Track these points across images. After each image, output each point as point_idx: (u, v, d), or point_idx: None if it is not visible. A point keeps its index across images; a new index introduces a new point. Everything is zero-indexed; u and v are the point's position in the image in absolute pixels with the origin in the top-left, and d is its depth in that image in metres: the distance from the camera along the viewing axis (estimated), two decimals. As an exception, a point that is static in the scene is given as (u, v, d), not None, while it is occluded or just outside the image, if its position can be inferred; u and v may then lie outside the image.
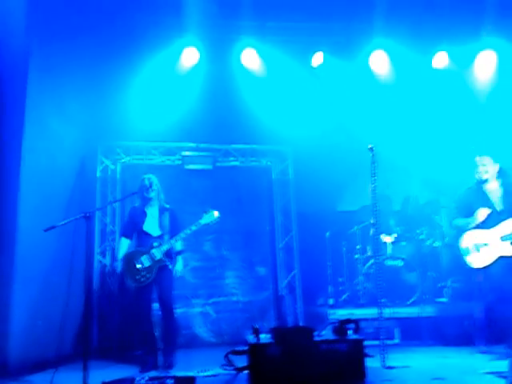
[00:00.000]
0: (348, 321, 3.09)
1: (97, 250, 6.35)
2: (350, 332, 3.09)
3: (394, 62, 6.71)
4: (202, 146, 6.82)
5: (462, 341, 5.72)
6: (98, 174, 6.50)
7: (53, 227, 3.89)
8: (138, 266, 4.65)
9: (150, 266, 4.65)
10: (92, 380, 3.56)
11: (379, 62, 6.74)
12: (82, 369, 3.54)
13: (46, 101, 5.11)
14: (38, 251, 4.85)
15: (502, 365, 4.19)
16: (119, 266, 4.82)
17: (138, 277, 4.65)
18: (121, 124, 6.17)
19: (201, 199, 6.38)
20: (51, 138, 5.26)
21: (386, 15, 6.14)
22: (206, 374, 3.65)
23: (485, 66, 6.77)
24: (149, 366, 4.52)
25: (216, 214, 4.81)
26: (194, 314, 6.38)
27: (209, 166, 6.76)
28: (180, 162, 6.75)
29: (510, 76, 6.63)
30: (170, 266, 4.76)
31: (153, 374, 4.25)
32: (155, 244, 4.71)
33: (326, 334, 3.07)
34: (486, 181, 5.03)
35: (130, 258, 4.72)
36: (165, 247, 4.70)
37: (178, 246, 4.83)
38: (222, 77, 6.46)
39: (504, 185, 5.08)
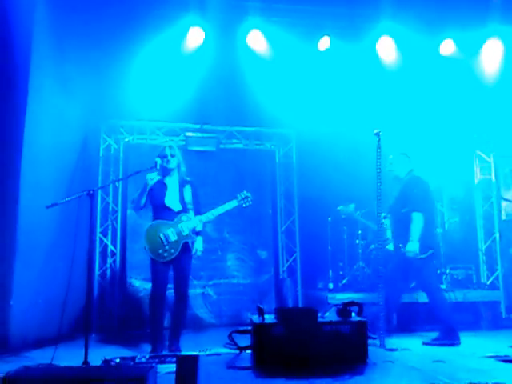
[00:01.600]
0: (352, 303, 3.10)
1: (98, 229, 6.35)
2: (353, 314, 3.11)
3: (401, 48, 6.63)
4: (206, 127, 6.79)
5: (459, 326, 5.81)
6: (101, 153, 6.48)
7: (55, 204, 3.87)
8: (162, 237, 4.33)
9: (176, 241, 4.35)
10: (93, 357, 3.58)
11: (386, 48, 6.66)
12: (82, 346, 3.55)
13: (49, 78, 5.06)
14: (39, 228, 4.84)
15: (503, 349, 4.26)
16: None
17: (161, 251, 4.33)
18: (124, 103, 6.11)
19: (203, 181, 6.35)
20: (54, 115, 5.22)
21: (393, 0, 6.06)
22: (207, 353, 3.68)
23: (491, 54, 6.70)
24: (157, 347, 4.34)
25: (249, 195, 4.66)
26: (195, 295, 6.41)
27: (212, 148, 6.73)
28: (183, 143, 6.71)
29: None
30: (190, 245, 4.49)
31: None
32: (184, 218, 4.42)
33: (330, 315, 3.09)
34: None
35: (154, 229, 4.37)
36: (193, 223, 4.42)
37: (200, 224, 4.56)
38: (228, 58, 6.38)
39: None
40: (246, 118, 6.81)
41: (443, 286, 6.45)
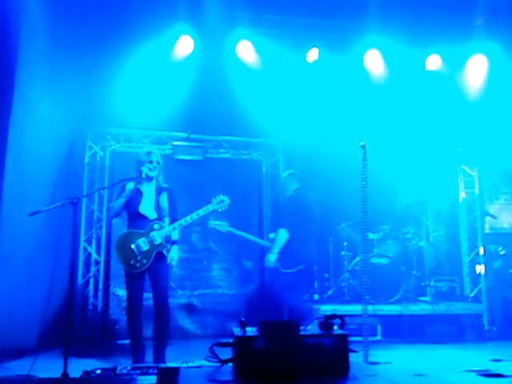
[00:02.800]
0: (334, 316, 3.10)
1: (82, 237, 6.28)
2: (335, 327, 3.11)
3: (388, 61, 6.73)
4: (193, 136, 6.77)
5: (442, 339, 5.86)
6: (87, 160, 6.43)
7: (38, 212, 3.81)
8: (133, 247, 4.21)
9: (148, 251, 4.23)
10: (73, 368, 3.51)
11: (373, 61, 6.75)
12: (62, 357, 3.49)
13: (35, 83, 5.03)
14: (22, 236, 4.78)
15: (484, 363, 4.29)
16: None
17: (132, 261, 4.22)
18: (112, 110, 6.10)
19: (190, 190, 6.35)
20: (40, 121, 5.18)
21: (381, 15, 6.15)
22: (189, 365, 3.65)
23: (476, 70, 6.82)
24: (138, 358, 4.27)
25: (227, 199, 4.53)
26: (180, 305, 6.36)
27: (199, 157, 6.72)
28: (170, 152, 6.70)
29: (499, 81, 6.69)
30: (166, 254, 4.37)
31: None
32: (156, 226, 4.30)
33: (312, 328, 3.08)
34: None
35: (125, 239, 4.27)
36: (167, 230, 4.30)
37: (175, 234, 4.46)
38: (217, 67, 6.40)
39: None
40: (233, 128, 6.82)
41: (427, 299, 6.50)
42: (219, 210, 4.54)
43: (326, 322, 3.04)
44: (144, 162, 4.42)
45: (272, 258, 5.19)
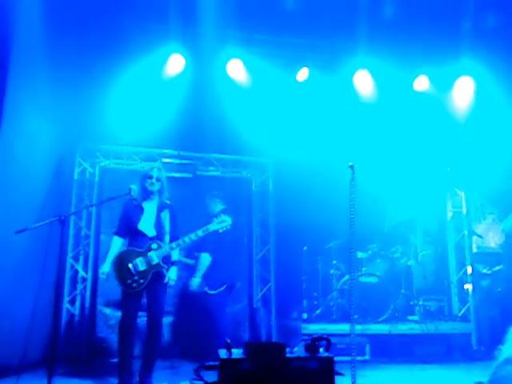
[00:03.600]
0: (320, 338, 3.08)
1: (69, 254, 6.22)
2: (321, 349, 3.10)
3: (377, 81, 6.82)
4: (183, 153, 6.78)
5: (431, 359, 5.86)
6: (76, 177, 6.39)
7: (25, 229, 3.79)
8: (131, 267, 4.17)
9: (144, 271, 4.18)
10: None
11: (362, 81, 6.84)
12: (46, 376, 3.43)
13: (25, 99, 5.01)
14: (8, 253, 4.72)
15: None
16: (106, 272, 4.31)
17: (129, 281, 4.17)
18: (102, 127, 6.10)
19: (180, 207, 6.29)
20: (28, 136, 5.16)
21: (370, 36, 6.25)
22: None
23: (463, 91, 6.93)
24: (125, 379, 4.19)
25: (229, 219, 4.46)
26: (168, 323, 6.29)
27: (189, 175, 6.73)
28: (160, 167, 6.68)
29: (486, 102, 6.81)
30: (165, 272, 4.31)
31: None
32: (154, 246, 4.24)
33: (298, 350, 3.07)
34: None
35: (123, 258, 4.22)
36: (164, 251, 4.23)
37: (175, 253, 4.41)
38: (207, 85, 6.45)
39: None
40: (223, 146, 6.84)
41: (416, 318, 6.50)
42: (220, 230, 4.48)
43: (312, 344, 3.03)
44: (145, 177, 4.42)
45: (195, 282, 5.42)
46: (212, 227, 4.43)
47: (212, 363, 3.02)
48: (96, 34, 5.86)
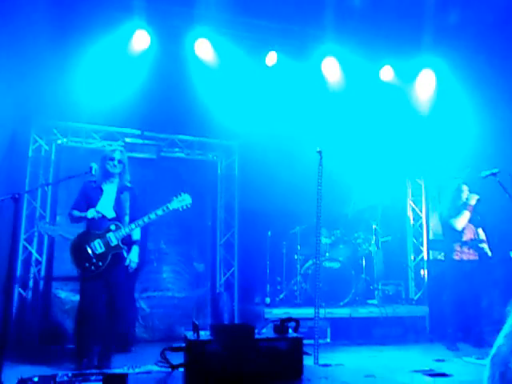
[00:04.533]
0: (289, 319, 3.06)
1: (22, 236, 5.92)
2: (290, 330, 3.07)
3: (345, 70, 6.83)
4: (147, 134, 6.59)
5: (388, 340, 6.02)
6: (30, 154, 6.08)
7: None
8: (89, 249, 4.06)
9: (103, 253, 4.08)
10: (7, 376, 3.28)
11: (330, 68, 6.83)
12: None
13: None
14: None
15: (427, 364, 4.43)
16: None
17: (87, 264, 4.06)
18: (60, 103, 5.80)
19: (142, 189, 6.12)
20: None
21: (339, 24, 6.26)
22: (138, 370, 3.50)
23: (425, 84, 7.06)
24: (83, 364, 4.07)
25: (188, 198, 4.38)
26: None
27: (153, 156, 6.54)
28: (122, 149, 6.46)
29: (446, 95, 6.97)
30: (126, 255, 4.21)
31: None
32: (112, 227, 4.14)
33: (267, 332, 3.04)
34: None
35: (80, 241, 4.10)
36: (123, 232, 4.13)
37: (136, 233, 4.30)
38: (173, 64, 6.26)
39: None
40: (189, 127, 6.69)
41: (375, 302, 6.63)
42: (180, 209, 4.41)
43: (281, 325, 3.00)
44: (106, 158, 4.29)
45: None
46: (172, 206, 4.36)
47: (179, 345, 2.95)
48: (59, 7, 5.56)
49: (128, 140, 6.49)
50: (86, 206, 4.26)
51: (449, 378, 2.93)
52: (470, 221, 5.74)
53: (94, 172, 4.23)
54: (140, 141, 6.55)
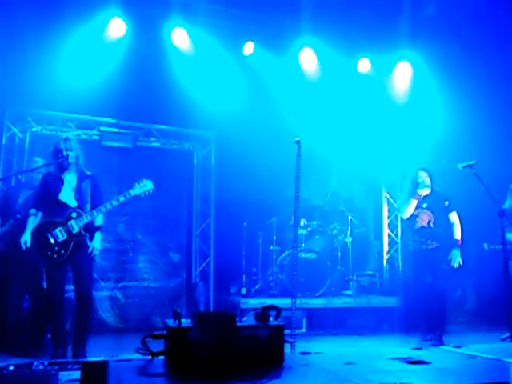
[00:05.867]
0: (270, 307, 3.07)
1: (-3, 224, 5.78)
2: (271, 318, 3.09)
3: (322, 61, 6.88)
4: (123, 123, 6.50)
5: (363, 331, 6.12)
6: (4, 142, 5.93)
7: None
8: (50, 238, 4.01)
9: (65, 241, 4.04)
10: (-18, 366, 3.20)
11: (308, 60, 6.86)
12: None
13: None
14: None
15: (404, 351, 4.53)
16: (28, 240, 4.09)
17: (49, 253, 4.01)
18: (35, 90, 5.66)
19: (118, 178, 6.07)
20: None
21: (317, 16, 6.30)
22: (118, 358, 3.47)
23: (402, 75, 7.18)
24: (57, 353, 4.02)
25: (150, 184, 4.34)
26: (102, 297, 6.07)
27: (128, 145, 6.45)
28: (98, 138, 6.37)
29: (422, 87, 7.11)
30: (89, 243, 4.18)
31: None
32: (73, 215, 4.09)
33: (248, 319, 3.05)
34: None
35: (42, 231, 4.05)
36: (85, 219, 4.09)
37: (99, 219, 4.26)
38: (150, 53, 6.17)
39: None
40: (165, 117, 6.63)
41: (350, 292, 6.74)
42: (142, 195, 4.38)
43: (263, 313, 3.02)
44: (62, 149, 4.17)
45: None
46: (133, 192, 4.33)
47: (159, 332, 2.94)
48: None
49: (103, 129, 6.39)
50: (47, 197, 4.20)
51: (428, 366, 3.00)
52: (428, 208, 5.37)
53: (70, 160, 4.17)
54: (115, 130, 6.46)
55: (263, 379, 2.57)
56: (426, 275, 5.36)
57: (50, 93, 5.73)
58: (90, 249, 4.19)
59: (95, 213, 4.16)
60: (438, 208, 5.39)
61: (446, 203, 5.42)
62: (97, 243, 4.25)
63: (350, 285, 6.81)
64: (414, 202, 5.36)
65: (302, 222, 6.55)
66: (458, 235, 5.39)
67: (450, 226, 5.42)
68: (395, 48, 6.91)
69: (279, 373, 2.76)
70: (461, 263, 5.31)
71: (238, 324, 2.93)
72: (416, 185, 5.40)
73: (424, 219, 5.38)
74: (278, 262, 6.51)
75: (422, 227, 5.37)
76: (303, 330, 6.07)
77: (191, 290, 6.54)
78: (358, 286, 6.89)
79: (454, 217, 5.43)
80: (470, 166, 4.95)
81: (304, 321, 6.12)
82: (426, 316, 5.48)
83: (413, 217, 5.42)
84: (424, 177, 5.41)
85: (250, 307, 5.74)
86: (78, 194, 4.20)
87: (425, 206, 5.40)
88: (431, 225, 5.37)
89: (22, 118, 6.10)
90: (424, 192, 5.36)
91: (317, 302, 6.23)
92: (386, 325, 6.54)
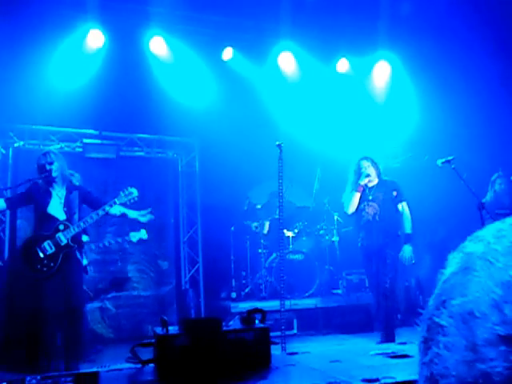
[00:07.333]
0: (255, 310, 3.15)
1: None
2: (256, 321, 3.16)
3: (301, 64, 6.97)
4: (105, 133, 6.52)
5: (354, 328, 6.18)
6: (-13, 158, 5.93)
7: None
8: (39, 251, 4.02)
9: (53, 253, 4.04)
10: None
11: (287, 63, 6.96)
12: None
13: None
14: None
15: (389, 347, 4.61)
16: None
17: (38, 266, 4.02)
18: (16, 105, 5.66)
19: (102, 189, 6.09)
20: None
21: (294, 19, 6.38)
22: (108, 369, 3.51)
23: (380, 75, 7.30)
24: (51, 366, 4.06)
25: (135, 191, 4.36)
26: (92, 309, 6.07)
27: (112, 155, 6.47)
28: (81, 150, 6.39)
29: (400, 86, 7.23)
30: (79, 255, 4.22)
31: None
32: (61, 227, 4.11)
33: (234, 324, 3.11)
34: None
35: (30, 245, 4.07)
36: (72, 230, 4.10)
37: (85, 237, 4.36)
38: (129, 63, 6.22)
39: None
40: (147, 126, 6.66)
41: (339, 291, 6.81)
42: (128, 203, 4.41)
43: (248, 316, 3.09)
44: (44, 164, 4.17)
45: None
46: (119, 200, 4.35)
47: (148, 341, 2.98)
48: (13, 8, 5.41)
49: (86, 141, 6.41)
50: (27, 205, 4.26)
51: (410, 359, 3.10)
52: (374, 200, 4.94)
53: (54, 174, 4.19)
54: (98, 141, 6.47)
55: (250, 381, 2.64)
56: (375, 272, 5.05)
57: (31, 107, 5.74)
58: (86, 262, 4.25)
59: (82, 224, 4.17)
60: (384, 199, 4.93)
61: (394, 193, 4.96)
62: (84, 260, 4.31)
63: (339, 283, 6.88)
64: (357, 195, 4.93)
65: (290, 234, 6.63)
66: (408, 228, 4.94)
67: (400, 218, 4.93)
68: (373, 49, 7.03)
69: (266, 374, 2.84)
70: (413, 260, 4.92)
71: (225, 328, 3.01)
72: (359, 175, 4.97)
73: (369, 212, 4.92)
74: (266, 265, 6.56)
75: (368, 221, 4.92)
76: (295, 331, 6.12)
77: (181, 297, 6.57)
78: (347, 284, 6.95)
79: (403, 208, 4.97)
80: (448, 161, 4.74)
81: (295, 322, 6.17)
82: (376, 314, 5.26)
83: (359, 211, 4.98)
84: (367, 166, 4.99)
85: (240, 311, 5.78)
86: (67, 206, 4.22)
87: (370, 198, 4.95)
88: (377, 218, 4.90)
89: (4, 133, 6.09)
90: (366, 182, 4.93)
91: (307, 303, 6.30)
92: (375, 321, 6.62)
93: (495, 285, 0.43)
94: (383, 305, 4.98)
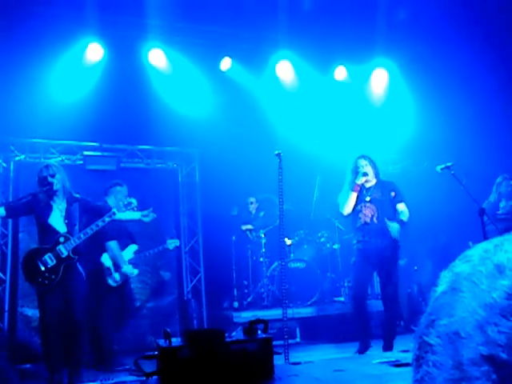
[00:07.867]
0: (257, 321, 3.15)
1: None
2: (259, 332, 3.17)
3: (299, 72, 7.02)
4: (106, 145, 6.55)
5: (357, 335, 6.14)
6: (-12, 172, 5.96)
7: None
8: (39, 263, 4.04)
9: (55, 266, 4.06)
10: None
11: (285, 72, 7.00)
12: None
13: None
14: None
15: (394, 354, 4.59)
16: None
17: (40, 279, 4.04)
18: (16, 119, 5.71)
19: (103, 202, 6.09)
20: None
21: (291, 28, 6.43)
22: (111, 382, 3.51)
23: (378, 82, 7.35)
24: (54, 381, 4.03)
25: (134, 201, 4.42)
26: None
27: (112, 167, 6.50)
28: (81, 162, 6.41)
29: (398, 92, 7.27)
30: (79, 266, 4.24)
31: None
32: (61, 239, 4.13)
33: (237, 334, 3.11)
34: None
35: (32, 258, 4.10)
36: (72, 242, 4.13)
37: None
38: (129, 75, 6.27)
39: None
40: (147, 137, 6.70)
41: (341, 299, 6.80)
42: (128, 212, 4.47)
43: (250, 327, 3.09)
44: (46, 176, 4.21)
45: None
46: (118, 211, 4.40)
47: (151, 353, 2.99)
48: (12, 22, 5.47)
49: (86, 153, 6.44)
50: (28, 215, 4.33)
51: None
52: (372, 201, 4.76)
53: (55, 187, 4.22)
54: (99, 153, 6.51)
55: (254, 392, 2.65)
56: (371, 277, 4.89)
57: (31, 120, 5.78)
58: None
59: (82, 235, 4.20)
60: (382, 201, 4.75)
61: (393, 194, 4.80)
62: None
63: (341, 291, 6.87)
64: (353, 195, 4.74)
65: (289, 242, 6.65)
66: (404, 218, 4.74)
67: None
68: (370, 56, 7.08)
69: (270, 385, 2.85)
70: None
71: (227, 340, 3.01)
72: (356, 174, 4.80)
73: (367, 214, 4.72)
74: (268, 274, 6.56)
75: (365, 223, 4.71)
76: (298, 340, 6.11)
77: (184, 307, 6.56)
78: (349, 291, 6.94)
79: (401, 208, 4.80)
80: (447, 167, 4.73)
81: (297, 330, 6.17)
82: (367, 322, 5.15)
83: (355, 212, 4.77)
84: (364, 165, 4.81)
85: (243, 321, 5.78)
86: (68, 218, 4.24)
87: (368, 199, 4.76)
88: (374, 220, 4.70)
89: (5, 147, 6.14)
90: (364, 182, 4.75)
91: (309, 311, 6.29)
92: (378, 328, 6.60)
93: (479, 306, 0.45)
94: (387, 314, 4.97)
